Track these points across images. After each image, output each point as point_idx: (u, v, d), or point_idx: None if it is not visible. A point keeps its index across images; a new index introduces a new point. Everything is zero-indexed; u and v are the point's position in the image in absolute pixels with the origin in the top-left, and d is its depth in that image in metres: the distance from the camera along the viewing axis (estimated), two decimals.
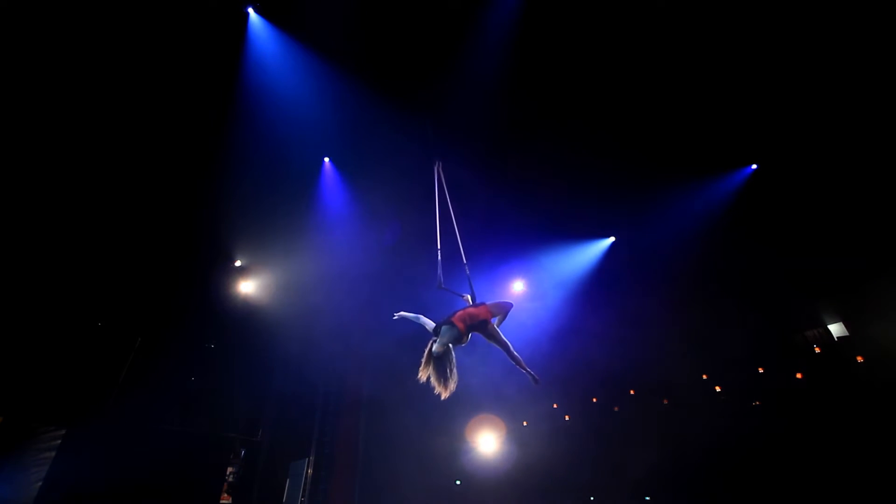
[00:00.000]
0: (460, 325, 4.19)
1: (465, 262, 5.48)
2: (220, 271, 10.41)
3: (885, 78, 6.63)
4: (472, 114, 8.22)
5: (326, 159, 9.64)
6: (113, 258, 8.59)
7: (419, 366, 4.16)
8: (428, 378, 4.09)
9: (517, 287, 11.26)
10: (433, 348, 4.13)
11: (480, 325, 4.33)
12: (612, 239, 10.55)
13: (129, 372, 8.84)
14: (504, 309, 4.68)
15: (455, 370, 4.18)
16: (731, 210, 8.85)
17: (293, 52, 7.73)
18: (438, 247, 5.61)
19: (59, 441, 7.78)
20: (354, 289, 11.73)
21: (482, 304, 4.59)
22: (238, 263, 10.66)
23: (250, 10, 7.36)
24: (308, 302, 11.47)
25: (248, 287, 10.72)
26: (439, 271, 5.26)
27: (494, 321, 4.49)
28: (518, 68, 7.70)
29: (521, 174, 9.40)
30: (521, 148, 8.99)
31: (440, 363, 4.12)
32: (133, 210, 8.56)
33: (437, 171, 6.46)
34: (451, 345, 4.19)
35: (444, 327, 4.22)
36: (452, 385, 4.15)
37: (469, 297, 5.04)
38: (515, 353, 4.34)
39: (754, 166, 8.55)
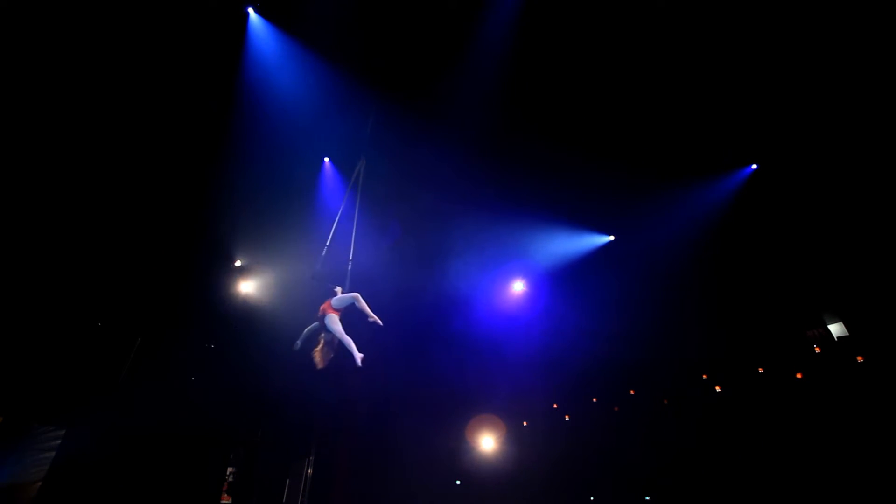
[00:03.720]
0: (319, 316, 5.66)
1: (350, 258, 6.62)
2: (220, 271, 10.40)
3: (884, 78, 6.63)
4: (471, 113, 8.22)
5: (326, 159, 9.64)
6: (113, 258, 8.58)
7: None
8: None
9: (517, 287, 11.26)
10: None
11: (323, 317, 5.57)
12: (612, 238, 10.54)
13: (129, 372, 8.83)
14: (344, 302, 5.66)
15: (324, 350, 5.54)
16: (732, 210, 8.84)
17: (293, 52, 7.72)
18: (328, 243, 6.63)
19: (59, 441, 7.78)
20: (354, 288, 11.70)
21: (329, 301, 5.73)
22: (238, 263, 10.65)
23: (250, 10, 7.36)
24: (308, 301, 11.45)
25: (248, 287, 10.71)
26: (319, 263, 6.41)
27: (334, 315, 5.55)
28: (518, 69, 7.70)
29: (520, 175, 9.39)
30: (521, 148, 8.99)
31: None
32: (133, 210, 8.55)
33: (360, 169, 7.16)
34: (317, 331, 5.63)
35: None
36: (319, 360, 5.54)
37: (339, 289, 6.01)
38: (345, 337, 5.42)
39: (754, 166, 8.55)
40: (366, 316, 5.73)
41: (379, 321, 5.69)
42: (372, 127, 7.07)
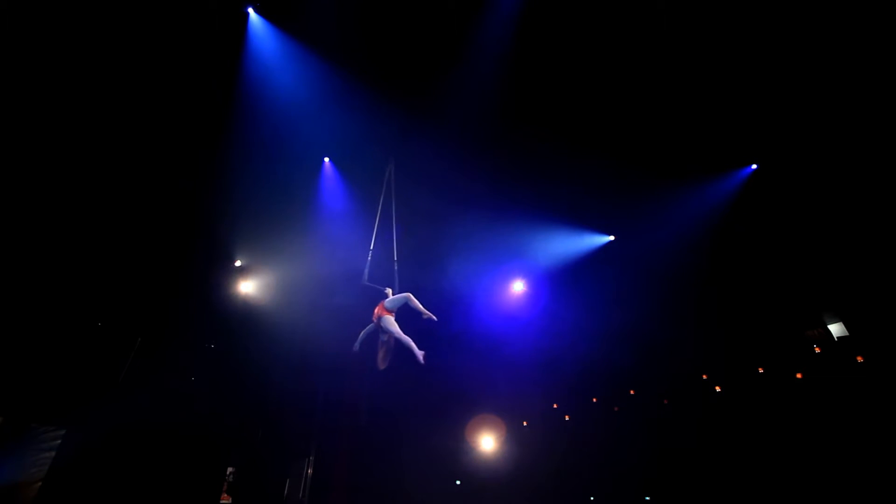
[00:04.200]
0: (373, 320, 5.83)
1: (395, 259, 6.59)
2: (220, 271, 10.41)
3: (884, 78, 6.62)
4: (471, 113, 8.22)
5: (326, 159, 9.65)
6: (113, 258, 8.58)
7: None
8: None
9: (517, 287, 11.26)
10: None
11: (379, 320, 5.69)
12: (612, 238, 10.55)
13: (129, 372, 8.84)
14: (397, 303, 5.78)
15: (382, 351, 5.69)
16: (732, 210, 8.84)
17: (293, 51, 7.73)
18: (371, 247, 6.63)
19: (59, 441, 7.78)
20: (354, 288, 11.72)
21: (382, 303, 5.86)
22: (238, 263, 10.65)
23: (250, 10, 7.36)
24: (308, 301, 11.46)
25: (248, 287, 10.72)
26: (367, 269, 6.38)
27: (390, 316, 5.69)
28: (518, 68, 7.70)
29: (520, 175, 9.39)
30: (521, 148, 8.99)
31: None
32: (133, 210, 8.55)
33: (390, 170, 7.22)
34: (373, 333, 5.81)
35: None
36: (380, 361, 5.69)
37: (390, 290, 6.09)
38: (403, 336, 5.49)
39: (754, 166, 8.55)
40: (419, 314, 5.77)
41: (433, 317, 5.80)
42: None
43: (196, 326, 10.04)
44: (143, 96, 7.50)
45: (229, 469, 10.38)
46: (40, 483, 7.47)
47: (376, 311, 5.83)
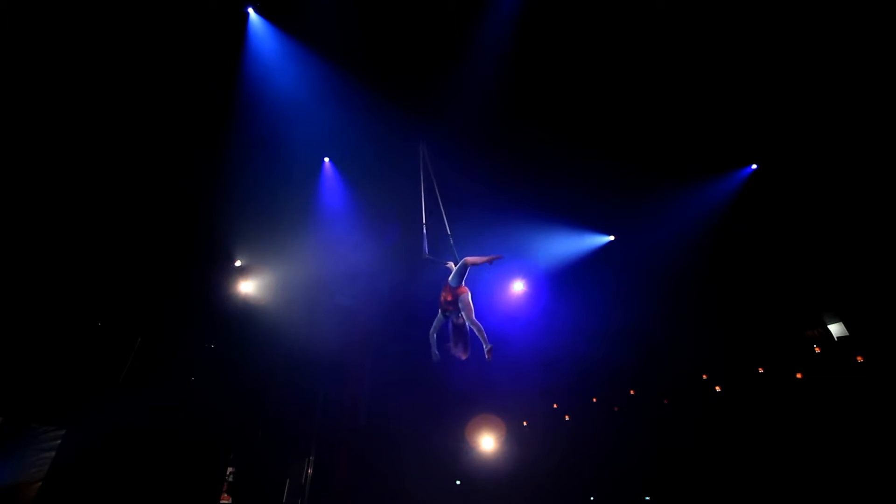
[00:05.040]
0: (441, 308, 5.18)
1: (449, 232, 6.20)
2: (220, 271, 10.41)
3: (884, 78, 6.62)
4: (471, 112, 8.23)
5: (326, 159, 9.65)
6: (113, 258, 8.58)
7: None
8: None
9: (517, 287, 11.25)
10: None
11: (447, 304, 5.05)
12: (612, 238, 10.55)
13: (129, 372, 8.84)
14: (461, 274, 5.12)
15: (456, 338, 5.06)
16: (731, 210, 8.85)
17: (293, 51, 7.73)
18: (424, 221, 6.24)
19: (59, 441, 7.78)
20: (355, 288, 11.73)
21: (446, 284, 5.18)
22: (238, 263, 10.66)
23: (250, 10, 7.36)
24: (308, 301, 11.46)
25: (248, 287, 10.73)
26: (425, 243, 6.03)
27: (465, 292, 5.03)
28: (518, 67, 7.71)
29: (521, 174, 9.39)
30: (521, 147, 8.99)
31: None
32: (133, 210, 8.56)
33: (422, 151, 6.96)
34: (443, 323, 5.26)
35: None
36: (459, 351, 5.06)
37: (452, 263, 5.60)
38: (476, 321, 4.91)
39: (754, 166, 8.55)
40: (484, 267, 5.07)
41: (500, 255, 5.19)
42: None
43: (196, 326, 10.04)
44: (143, 96, 7.51)
45: (229, 469, 10.37)
46: (40, 483, 7.47)
47: (443, 295, 5.03)
